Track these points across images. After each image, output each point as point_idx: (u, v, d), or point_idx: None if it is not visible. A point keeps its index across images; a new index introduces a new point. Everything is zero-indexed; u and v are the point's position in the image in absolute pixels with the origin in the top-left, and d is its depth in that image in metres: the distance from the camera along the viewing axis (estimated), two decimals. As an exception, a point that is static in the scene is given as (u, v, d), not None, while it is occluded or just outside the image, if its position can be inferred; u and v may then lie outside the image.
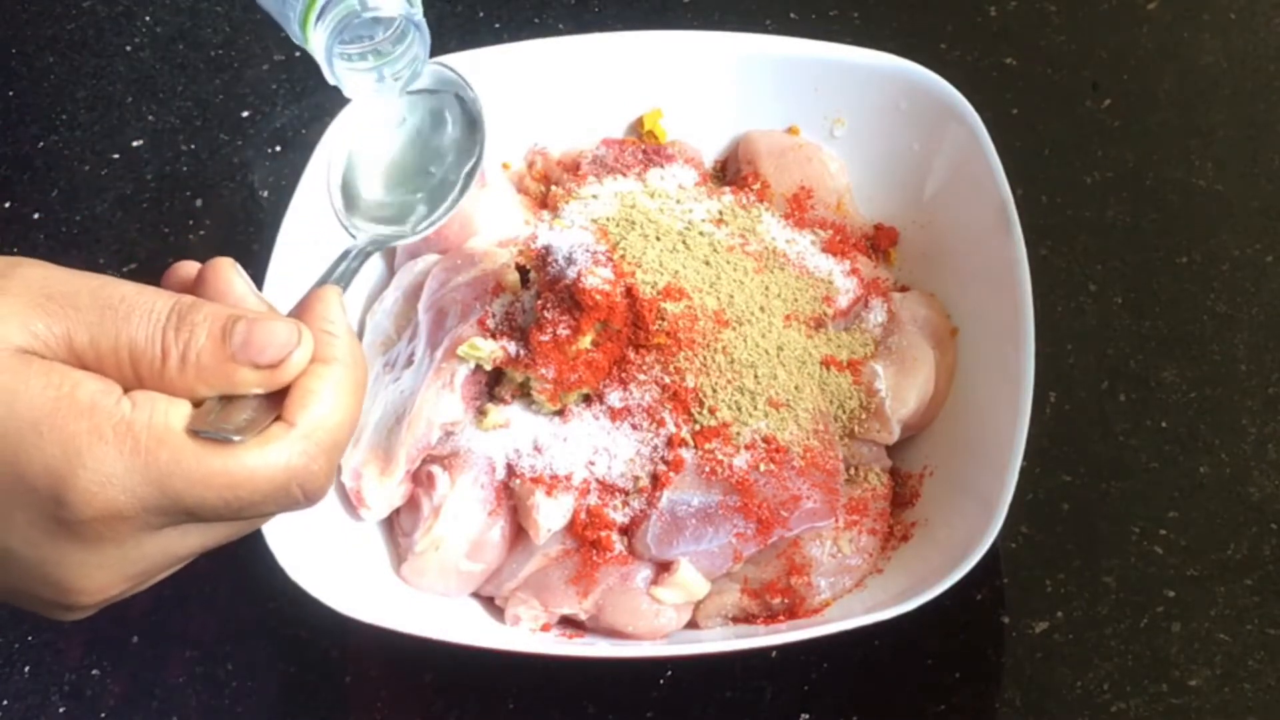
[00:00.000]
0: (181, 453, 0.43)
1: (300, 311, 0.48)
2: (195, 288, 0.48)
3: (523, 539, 0.70)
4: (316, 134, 0.77)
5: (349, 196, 0.59)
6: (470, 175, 0.59)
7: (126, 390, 0.44)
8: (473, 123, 0.59)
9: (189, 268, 0.49)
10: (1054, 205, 0.85)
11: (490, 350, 0.70)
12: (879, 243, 0.81)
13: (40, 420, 0.42)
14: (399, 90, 0.57)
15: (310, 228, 0.74)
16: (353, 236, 0.58)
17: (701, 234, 0.74)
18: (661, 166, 0.80)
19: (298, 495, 0.45)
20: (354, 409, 0.47)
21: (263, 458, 0.44)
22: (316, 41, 0.53)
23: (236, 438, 0.44)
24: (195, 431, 0.44)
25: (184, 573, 0.75)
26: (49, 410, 0.42)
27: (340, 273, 0.53)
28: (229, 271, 0.48)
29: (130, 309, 0.44)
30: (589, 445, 0.70)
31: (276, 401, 0.46)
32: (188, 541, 0.46)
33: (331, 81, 0.54)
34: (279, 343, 0.45)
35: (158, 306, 0.45)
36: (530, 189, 0.82)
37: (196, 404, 0.45)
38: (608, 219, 0.73)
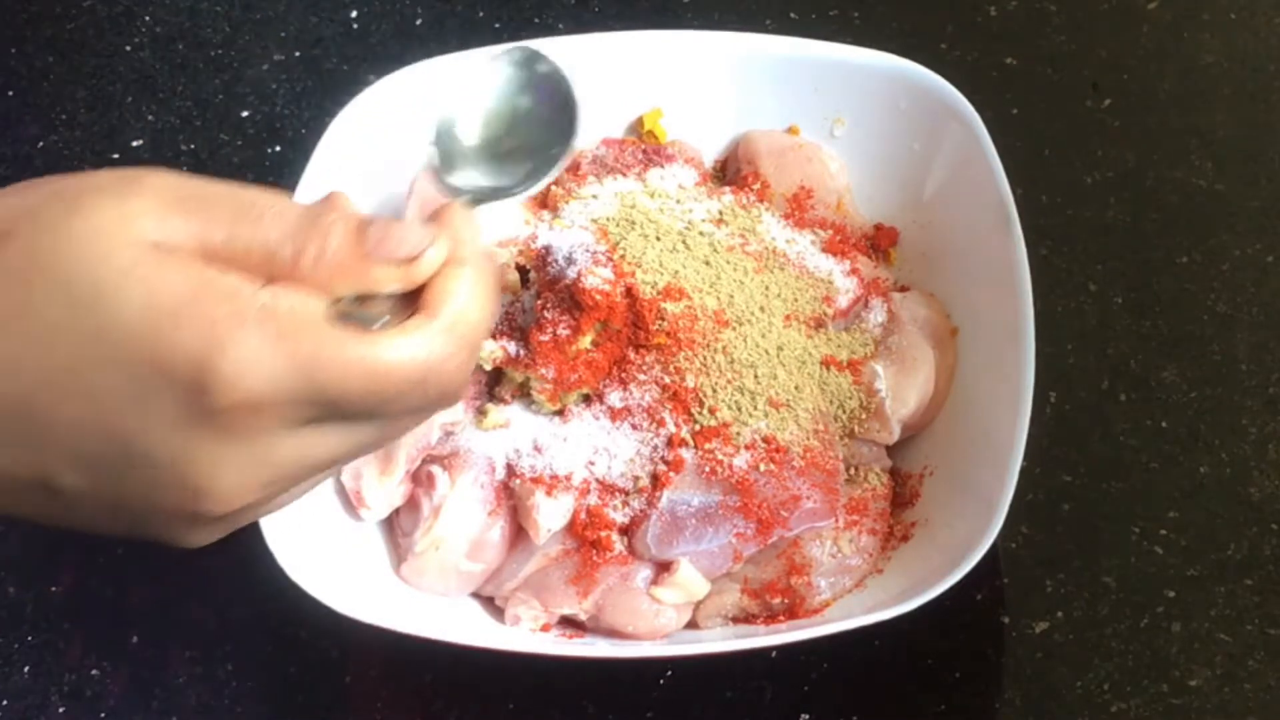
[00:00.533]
0: (324, 339, 0.42)
1: (430, 223, 0.47)
2: None
3: (523, 539, 0.70)
4: (316, 134, 0.77)
5: (445, 157, 0.59)
6: (570, 139, 0.58)
7: None
8: (566, 96, 0.58)
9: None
10: (1054, 205, 0.85)
11: (490, 350, 0.70)
12: (879, 243, 0.81)
13: (180, 307, 0.41)
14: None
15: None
16: (452, 197, 0.57)
17: (701, 234, 0.74)
18: (661, 166, 0.80)
19: (433, 393, 0.44)
20: (490, 309, 0.46)
21: (405, 347, 0.43)
22: None
23: (378, 325, 0.43)
24: (336, 319, 0.43)
25: (184, 572, 0.76)
26: (189, 297, 0.41)
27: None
28: (344, 201, 0.47)
29: (263, 210, 0.43)
30: (589, 445, 0.70)
31: (410, 303, 0.45)
32: (321, 446, 0.44)
33: None
34: (414, 239, 0.44)
35: (291, 208, 0.44)
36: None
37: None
38: (608, 219, 0.73)
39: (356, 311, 0.43)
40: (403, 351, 0.43)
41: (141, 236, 0.41)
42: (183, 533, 0.45)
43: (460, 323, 0.44)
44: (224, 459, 0.42)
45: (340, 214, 0.44)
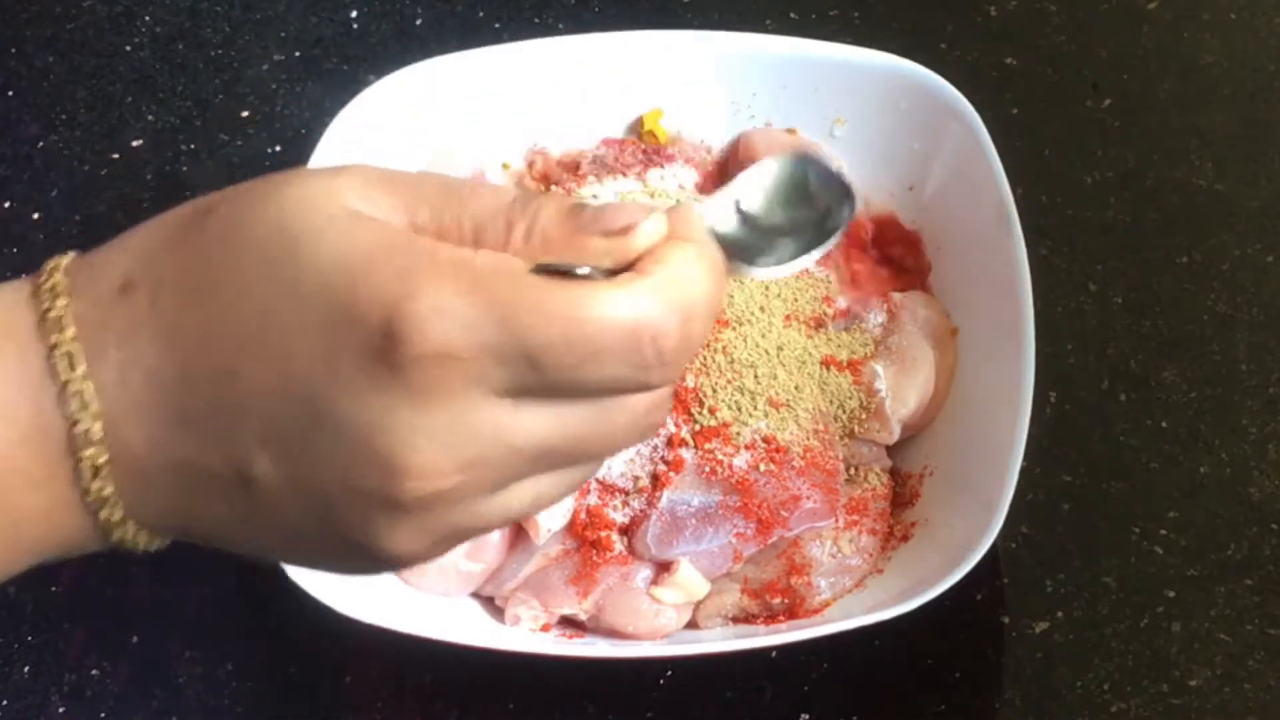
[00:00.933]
0: (524, 284, 0.38)
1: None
2: None
3: (523, 539, 0.70)
4: (317, 134, 0.77)
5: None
6: (829, 238, 0.55)
7: None
8: (841, 200, 0.55)
9: None
10: (1054, 205, 0.85)
11: (490, 350, 0.70)
12: (879, 243, 0.80)
13: (376, 252, 0.38)
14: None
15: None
16: None
17: (701, 234, 0.74)
18: (661, 166, 0.80)
19: (648, 353, 0.39)
20: (716, 288, 0.41)
21: (613, 298, 0.38)
22: None
23: (583, 270, 0.39)
24: (540, 267, 0.39)
25: (184, 572, 0.75)
26: (386, 244, 0.39)
27: None
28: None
29: (472, 190, 0.41)
30: (589, 445, 0.69)
31: None
32: (523, 425, 0.39)
33: None
34: (629, 213, 0.41)
35: (501, 189, 0.42)
36: (530, 189, 0.82)
37: None
38: (608, 219, 0.73)
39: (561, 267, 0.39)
40: (610, 303, 0.38)
41: (345, 204, 0.40)
42: (381, 528, 0.40)
43: (677, 287, 0.39)
44: (417, 424, 0.38)
45: (551, 196, 0.42)
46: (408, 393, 0.38)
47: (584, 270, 0.39)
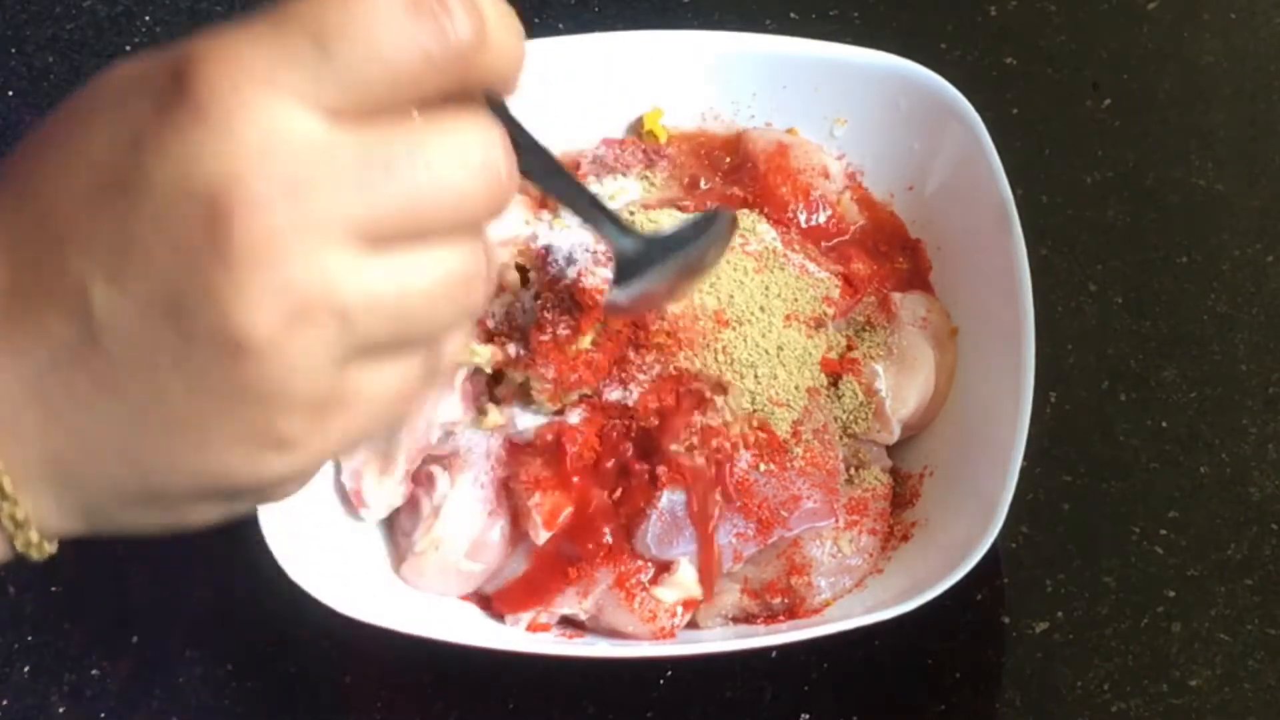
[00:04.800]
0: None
1: None
2: None
3: (523, 539, 0.70)
4: (316, 134, 0.77)
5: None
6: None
7: None
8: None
9: None
10: (1054, 205, 0.85)
11: (489, 354, 0.70)
12: (879, 242, 0.80)
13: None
14: None
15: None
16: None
17: (701, 234, 0.74)
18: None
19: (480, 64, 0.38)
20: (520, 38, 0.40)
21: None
22: None
23: None
24: None
25: (184, 572, 0.76)
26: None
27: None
28: None
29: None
30: (589, 445, 0.69)
31: None
32: (364, 277, 0.37)
33: None
34: None
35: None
36: (530, 189, 0.82)
37: None
38: (608, 219, 0.73)
39: None
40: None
41: None
42: (228, 292, 0.36)
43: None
44: (223, 150, 0.36)
45: None
46: (206, 122, 0.36)
47: None
